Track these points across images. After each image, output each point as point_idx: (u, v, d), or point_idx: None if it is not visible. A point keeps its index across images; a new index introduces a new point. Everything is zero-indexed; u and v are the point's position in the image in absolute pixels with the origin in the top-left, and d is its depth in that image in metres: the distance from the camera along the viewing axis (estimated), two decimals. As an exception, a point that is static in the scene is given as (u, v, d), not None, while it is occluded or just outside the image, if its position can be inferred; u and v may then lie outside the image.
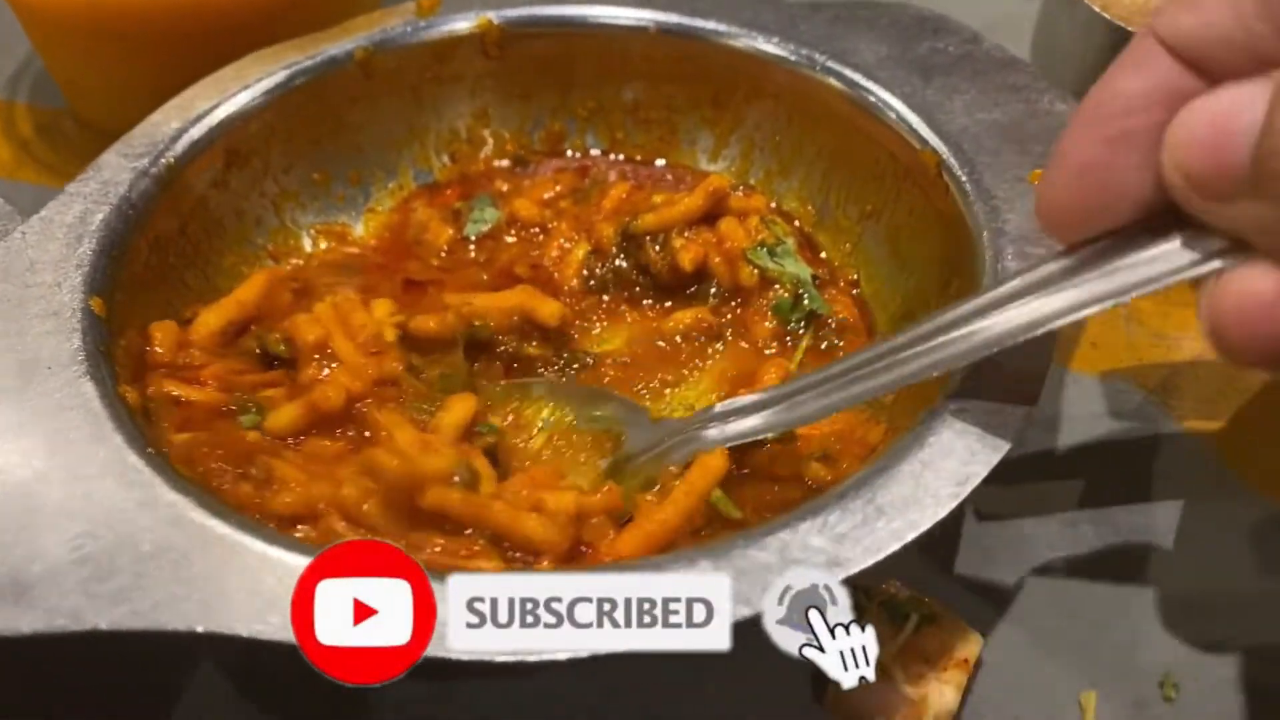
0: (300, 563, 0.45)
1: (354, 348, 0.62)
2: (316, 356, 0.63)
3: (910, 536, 0.46)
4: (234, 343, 0.65)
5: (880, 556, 0.45)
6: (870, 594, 0.56)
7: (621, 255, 0.70)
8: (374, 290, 0.71)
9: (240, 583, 0.45)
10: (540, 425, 0.62)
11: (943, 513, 0.47)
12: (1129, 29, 0.78)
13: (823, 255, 0.74)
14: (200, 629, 0.43)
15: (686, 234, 0.70)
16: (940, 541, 0.61)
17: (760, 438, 0.56)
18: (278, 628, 0.43)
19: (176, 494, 0.48)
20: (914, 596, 0.56)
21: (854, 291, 0.71)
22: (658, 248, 0.69)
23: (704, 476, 0.53)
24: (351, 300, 0.67)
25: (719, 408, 0.56)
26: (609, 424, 0.60)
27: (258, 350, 0.64)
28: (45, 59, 0.89)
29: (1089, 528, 0.64)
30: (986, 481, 0.48)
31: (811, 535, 0.46)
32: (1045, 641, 0.58)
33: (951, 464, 0.49)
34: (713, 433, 0.55)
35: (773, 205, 0.74)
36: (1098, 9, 0.81)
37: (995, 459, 0.49)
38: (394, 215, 0.79)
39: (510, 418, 0.62)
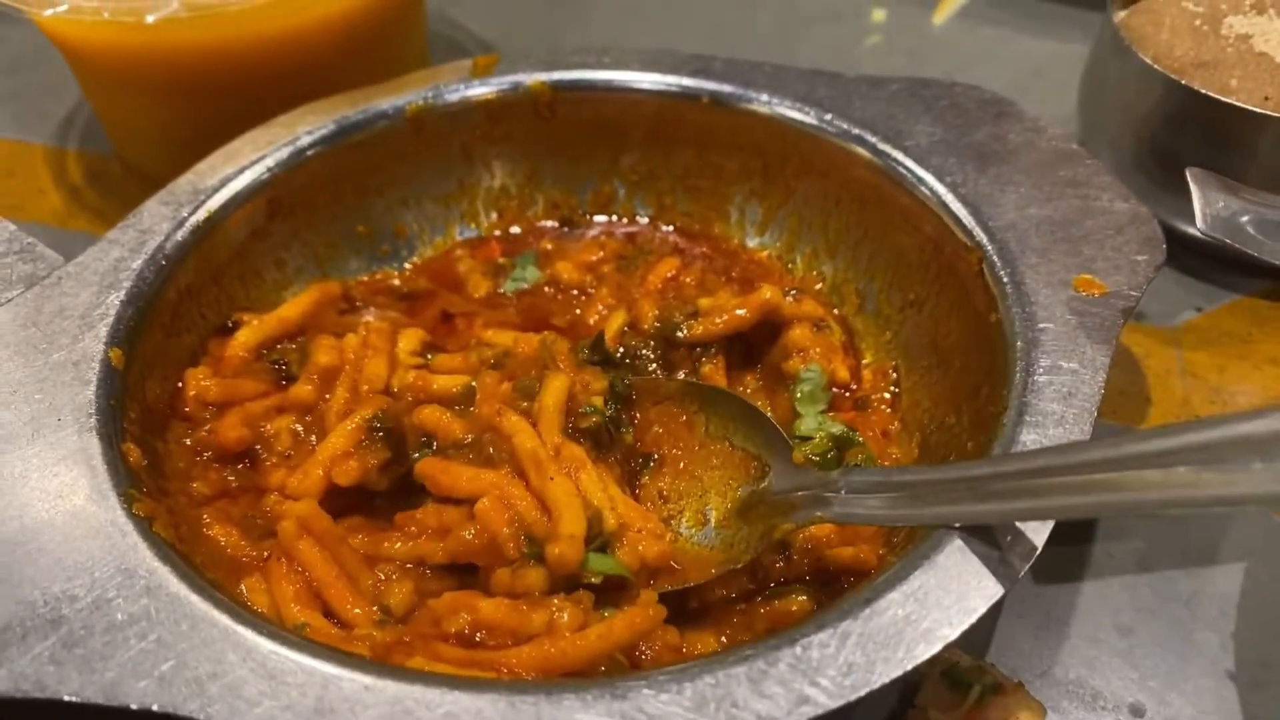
0: (268, 646, 0.45)
1: (341, 411, 0.63)
2: (315, 377, 0.64)
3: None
4: (264, 357, 0.67)
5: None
6: (931, 663, 0.54)
7: (654, 345, 0.69)
8: (414, 315, 0.73)
9: (203, 662, 0.45)
10: (705, 433, 0.62)
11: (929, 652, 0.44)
12: (1180, 81, 0.74)
13: (864, 361, 0.71)
14: (155, 707, 0.43)
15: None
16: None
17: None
18: (231, 713, 0.43)
19: (158, 562, 0.49)
20: (977, 665, 0.55)
21: (892, 389, 0.68)
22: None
23: (629, 630, 0.50)
24: (381, 333, 0.67)
25: (856, 475, 0.54)
26: (760, 451, 0.60)
27: (277, 365, 0.66)
28: (94, 105, 0.91)
29: (1148, 591, 0.61)
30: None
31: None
32: (1108, 710, 0.56)
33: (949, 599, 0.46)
34: (837, 509, 0.53)
35: (822, 312, 0.71)
36: (1149, 60, 0.77)
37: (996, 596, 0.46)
38: (438, 260, 0.79)
39: (684, 418, 0.63)
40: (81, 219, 0.87)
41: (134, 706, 0.43)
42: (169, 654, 0.45)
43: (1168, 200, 0.75)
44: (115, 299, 0.61)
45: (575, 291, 0.76)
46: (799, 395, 0.67)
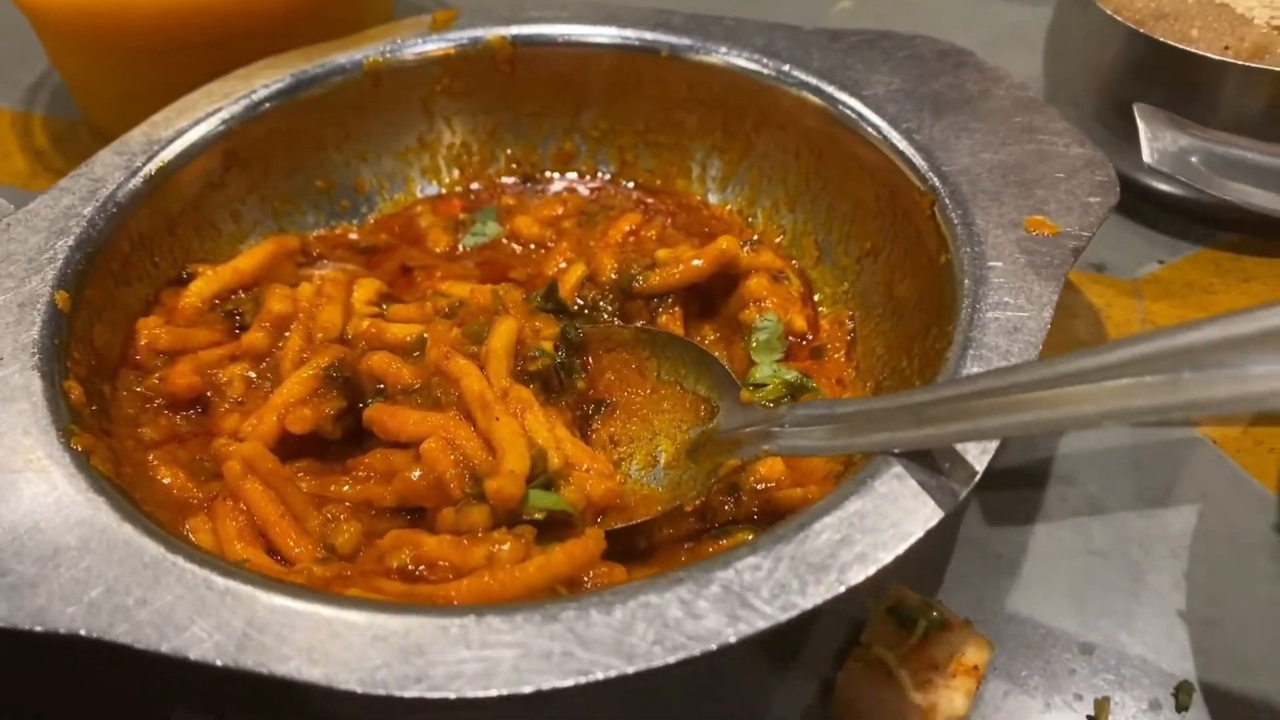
0: (201, 574, 0.45)
1: (295, 358, 0.62)
2: (268, 325, 0.64)
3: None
4: (218, 308, 0.66)
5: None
6: (878, 599, 0.54)
7: (611, 297, 0.68)
8: (373, 268, 0.73)
9: (133, 589, 0.44)
10: (656, 378, 0.62)
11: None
12: (1142, 32, 0.74)
13: (822, 312, 0.71)
14: (82, 632, 0.43)
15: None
16: (938, 544, 0.58)
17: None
18: (160, 637, 0.42)
19: (93, 494, 0.48)
20: (923, 602, 0.54)
21: (848, 338, 0.68)
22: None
23: (567, 562, 0.50)
24: (336, 283, 0.67)
25: (800, 409, 0.54)
26: (709, 393, 0.60)
27: (232, 315, 0.65)
28: (60, 69, 0.91)
29: (1101, 533, 0.61)
30: (993, 488, 0.45)
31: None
32: (1057, 649, 0.56)
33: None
34: (781, 441, 0.53)
35: (781, 264, 0.71)
36: (1110, 11, 0.77)
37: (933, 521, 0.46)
38: (399, 216, 0.79)
39: (635, 364, 0.63)
40: (46, 180, 0.87)
41: (61, 631, 0.43)
42: (99, 582, 0.45)
43: (1130, 152, 0.75)
44: (64, 244, 0.61)
45: (535, 246, 0.76)
46: (754, 344, 0.67)
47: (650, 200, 0.79)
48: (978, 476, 0.47)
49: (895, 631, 0.53)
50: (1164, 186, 0.77)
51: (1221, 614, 0.57)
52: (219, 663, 0.42)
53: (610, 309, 0.68)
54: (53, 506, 0.48)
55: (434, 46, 0.76)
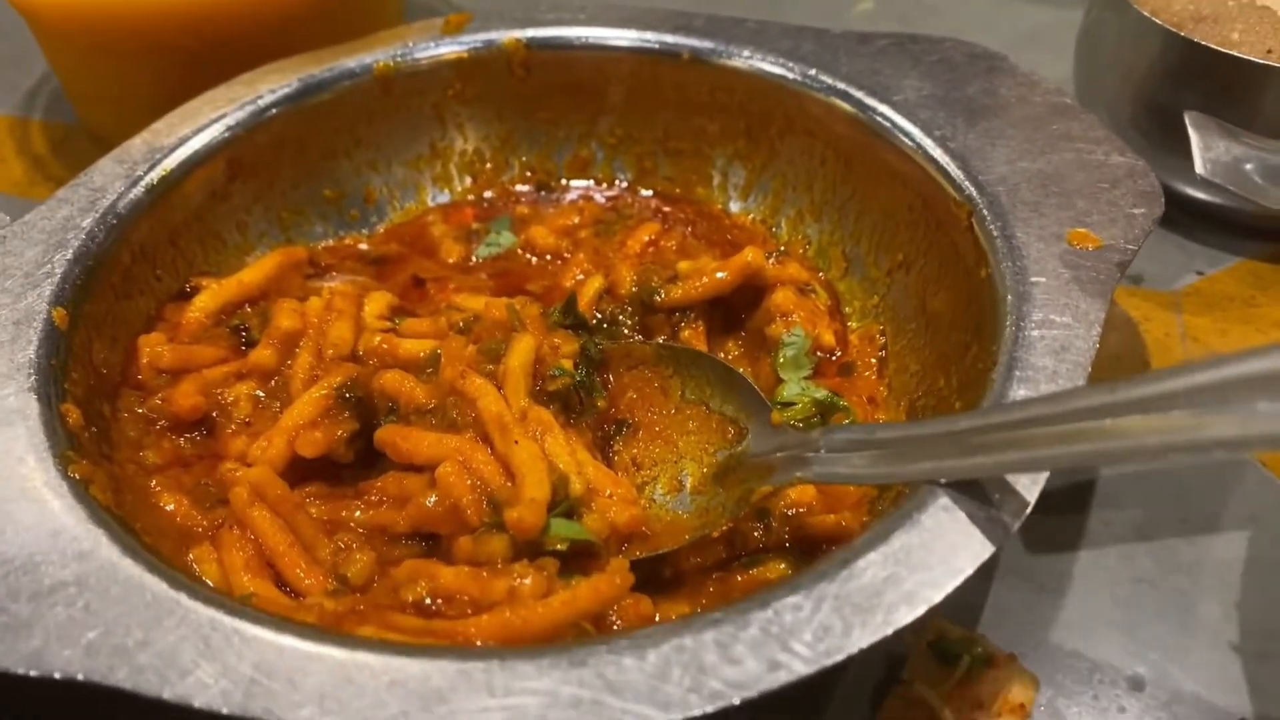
0: (206, 613, 0.42)
1: (305, 377, 0.60)
2: (276, 341, 0.61)
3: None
4: (224, 322, 0.64)
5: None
6: (918, 633, 0.52)
7: (631, 310, 0.65)
8: (384, 280, 0.70)
9: (134, 629, 0.42)
10: (680, 398, 0.59)
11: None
12: (1181, 35, 0.71)
13: (850, 326, 0.68)
14: (80, 677, 0.40)
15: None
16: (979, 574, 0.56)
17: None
18: (161, 682, 0.40)
19: (92, 525, 0.46)
20: (966, 636, 0.52)
21: (879, 354, 0.65)
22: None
23: (594, 598, 0.47)
24: (346, 296, 0.64)
25: (836, 434, 0.51)
26: (737, 414, 0.57)
27: (238, 330, 0.63)
28: (58, 73, 0.88)
29: (1147, 560, 0.58)
30: (1034, 512, 0.43)
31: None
32: (1105, 683, 0.53)
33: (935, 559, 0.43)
34: (816, 468, 0.50)
35: (807, 276, 0.68)
36: (1147, 14, 0.74)
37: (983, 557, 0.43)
38: (409, 225, 0.76)
39: (658, 383, 0.60)
40: (44, 188, 0.84)
41: (57, 676, 0.40)
42: (97, 621, 0.42)
43: (1167, 160, 0.72)
44: (62, 258, 0.58)
45: (551, 257, 0.73)
46: (782, 360, 0.64)
47: (668, 209, 0.77)
48: (1029, 508, 0.45)
49: (937, 667, 0.51)
50: (1202, 195, 0.75)
51: (1276, 647, 0.54)
52: (225, 710, 0.39)
53: (630, 323, 0.65)
54: (49, 539, 0.45)
55: (446, 50, 0.74)
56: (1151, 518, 0.60)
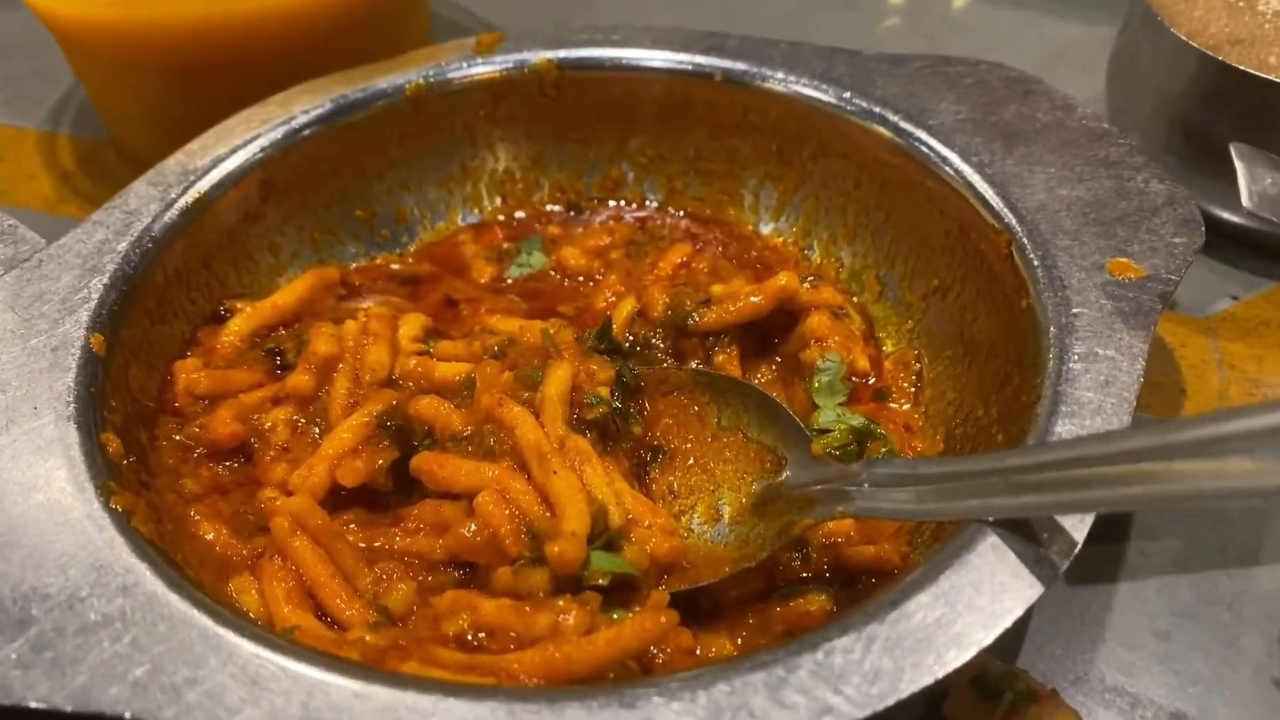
0: (250, 649, 0.42)
1: (344, 403, 0.59)
2: (313, 366, 0.61)
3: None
4: (258, 345, 0.64)
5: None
6: (961, 669, 0.51)
7: (663, 334, 0.65)
8: (416, 300, 0.70)
9: (181, 667, 0.42)
10: (717, 425, 0.59)
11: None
12: (1217, 58, 0.71)
13: (885, 351, 0.68)
14: (127, 715, 0.40)
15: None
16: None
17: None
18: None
19: (136, 559, 0.46)
20: (1008, 671, 0.52)
21: (914, 380, 0.65)
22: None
23: (638, 636, 0.46)
24: (382, 319, 0.64)
25: (879, 467, 0.51)
26: (775, 444, 0.57)
27: (273, 354, 0.63)
28: (87, 88, 0.88)
29: (1188, 592, 0.58)
30: None
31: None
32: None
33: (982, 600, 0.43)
34: (859, 503, 0.50)
35: (841, 300, 0.68)
36: (1183, 36, 0.73)
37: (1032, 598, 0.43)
38: (440, 245, 0.76)
39: (695, 409, 0.60)
40: (72, 204, 0.84)
41: (106, 714, 0.40)
42: (144, 657, 0.42)
43: (1202, 184, 0.72)
44: (98, 283, 0.58)
45: (582, 278, 0.73)
46: (816, 386, 0.63)
47: (699, 229, 0.76)
48: (1077, 548, 0.44)
49: (979, 703, 0.51)
50: (1237, 219, 0.74)
51: (1323, 684, 0.54)
52: (274, 753, 0.39)
53: (663, 346, 0.65)
54: (93, 573, 0.45)
55: (478, 70, 0.74)
56: (1190, 548, 0.60)
